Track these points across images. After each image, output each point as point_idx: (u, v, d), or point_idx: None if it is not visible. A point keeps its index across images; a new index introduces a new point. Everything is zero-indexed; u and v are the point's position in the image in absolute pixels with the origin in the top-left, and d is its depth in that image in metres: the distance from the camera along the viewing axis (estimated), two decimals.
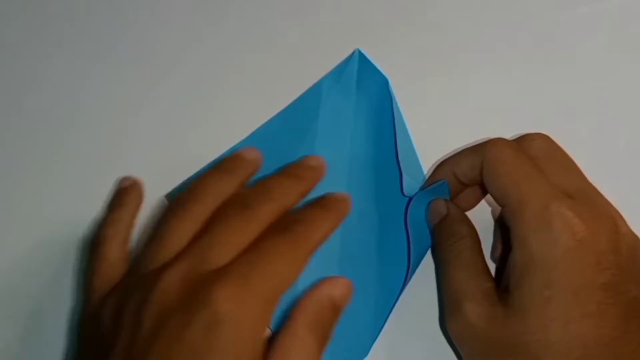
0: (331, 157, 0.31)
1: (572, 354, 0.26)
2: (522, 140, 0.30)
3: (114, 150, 0.36)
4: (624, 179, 0.34)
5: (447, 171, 0.32)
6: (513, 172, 0.28)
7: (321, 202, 0.29)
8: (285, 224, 0.28)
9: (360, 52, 0.36)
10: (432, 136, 0.35)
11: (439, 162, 0.33)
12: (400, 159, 0.32)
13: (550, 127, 0.34)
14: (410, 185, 0.32)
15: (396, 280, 0.32)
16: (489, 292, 0.28)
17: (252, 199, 0.28)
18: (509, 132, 0.33)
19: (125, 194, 0.33)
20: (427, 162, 0.34)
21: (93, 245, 0.31)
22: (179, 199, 0.29)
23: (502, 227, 0.33)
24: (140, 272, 0.27)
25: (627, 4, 0.37)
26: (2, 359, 0.32)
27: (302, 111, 0.35)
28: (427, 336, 0.32)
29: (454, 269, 0.30)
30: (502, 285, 0.29)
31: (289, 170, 0.30)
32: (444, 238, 0.31)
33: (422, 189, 0.32)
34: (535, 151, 0.30)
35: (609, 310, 0.26)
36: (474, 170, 0.30)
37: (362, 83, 0.35)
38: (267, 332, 0.25)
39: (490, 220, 0.34)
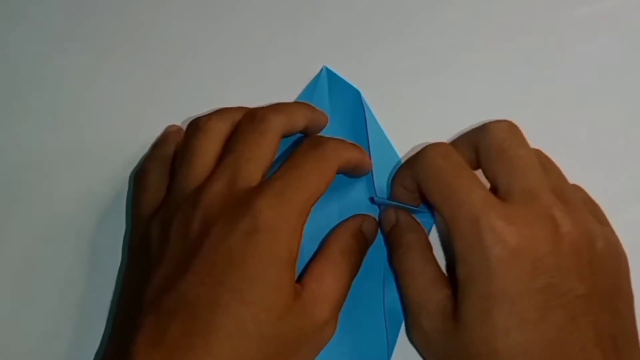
0: None
1: (516, 359, 0.26)
2: (480, 131, 0.30)
3: (117, 148, 0.36)
4: (622, 178, 0.34)
5: (397, 186, 0.32)
6: (443, 186, 0.28)
7: None
8: (314, 140, 0.30)
9: (327, 69, 0.36)
10: (429, 140, 0.35)
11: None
12: (374, 170, 0.32)
13: (549, 126, 0.34)
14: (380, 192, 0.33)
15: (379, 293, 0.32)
16: (442, 303, 0.29)
17: (262, 113, 0.30)
18: None
19: (169, 135, 0.35)
20: None
21: (137, 177, 0.34)
22: (197, 122, 0.31)
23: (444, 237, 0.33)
24: (179, 193, 0.30)
25: (627, 4, 0.37)
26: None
27: None
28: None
29: (407, 282, 0.30)
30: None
31: None
32: (394, 248, 0.31)
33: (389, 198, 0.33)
34: (485, 144, 0.29)
35: (550, 312, 0.26)
36: (415, 182, 0.30)
37: (334, 99, 0.36)
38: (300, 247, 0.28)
39: None
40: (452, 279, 0.29)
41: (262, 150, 0.30)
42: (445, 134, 0.34)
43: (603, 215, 0.31)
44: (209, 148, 0.30)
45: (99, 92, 0.37)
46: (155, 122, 0.36)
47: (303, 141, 0.31)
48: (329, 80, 0.36)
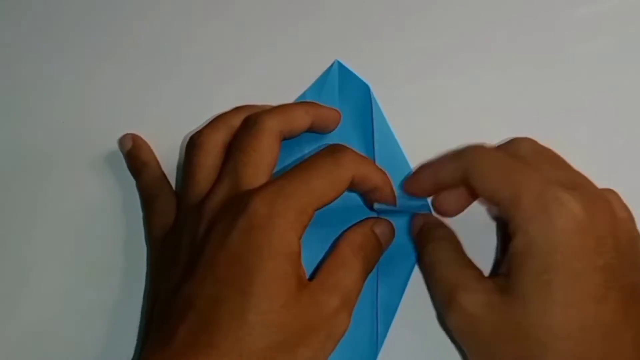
0: None
1: (572, 337, 0.26)
2: (509, 144, 0.31)
3: (117, 148, 0.36)
4: (622, 179, 0.34)
5: (428, 177, 0.32)
6: (501, 169, 0.28)
7: None
8: (333, 147, 0.30)
9: (339, 62, 0.36)
10: (430, 138, 0.35)
11: (419, 166, 0.33)
12: (377, 163, 0.33)
13: (549, 127, 0.34)
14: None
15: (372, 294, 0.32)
16: (481, 279, 0.29)
17: (255, 117, 0.31)
18: (508, 133, 0.33)
19: (138, 153, 0.35)
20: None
21: (146, 203, 0.34)
22: (192, 139, 0.32)
23: (500, 222, 0.33)
24: (186, 209, 0.31)
25: (627, 5, 0.37)
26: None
27: None
28: (430, 335, 0.32)
29: (440, 267, 0.30)
30: (500, 273, 0.29)
31: None
32: (424, 243, 0.32)
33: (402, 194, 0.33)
34: (522, 151, 0.30)
35: (609, 293, 0.26)
36: (455, 176, 0.30)
37: (344, 92, 0.36)
38: (301, 244, 0.28)
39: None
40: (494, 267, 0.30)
41: (260, 153, 0.30)
42: (447, 133, 0.35)
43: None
44: (206, 161, 0.31)
45: (99, 92, 0.37)
46: (156, 122, 0.36)
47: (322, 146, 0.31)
48: (340, 74, 0.36)
